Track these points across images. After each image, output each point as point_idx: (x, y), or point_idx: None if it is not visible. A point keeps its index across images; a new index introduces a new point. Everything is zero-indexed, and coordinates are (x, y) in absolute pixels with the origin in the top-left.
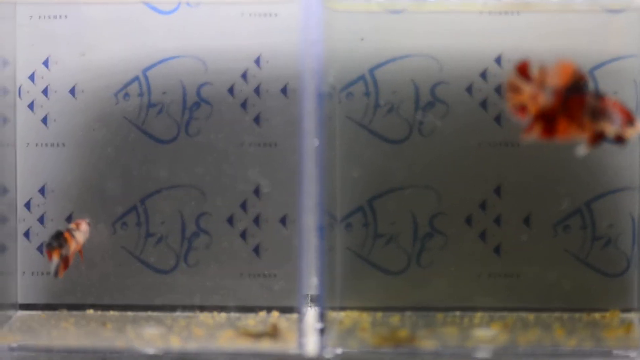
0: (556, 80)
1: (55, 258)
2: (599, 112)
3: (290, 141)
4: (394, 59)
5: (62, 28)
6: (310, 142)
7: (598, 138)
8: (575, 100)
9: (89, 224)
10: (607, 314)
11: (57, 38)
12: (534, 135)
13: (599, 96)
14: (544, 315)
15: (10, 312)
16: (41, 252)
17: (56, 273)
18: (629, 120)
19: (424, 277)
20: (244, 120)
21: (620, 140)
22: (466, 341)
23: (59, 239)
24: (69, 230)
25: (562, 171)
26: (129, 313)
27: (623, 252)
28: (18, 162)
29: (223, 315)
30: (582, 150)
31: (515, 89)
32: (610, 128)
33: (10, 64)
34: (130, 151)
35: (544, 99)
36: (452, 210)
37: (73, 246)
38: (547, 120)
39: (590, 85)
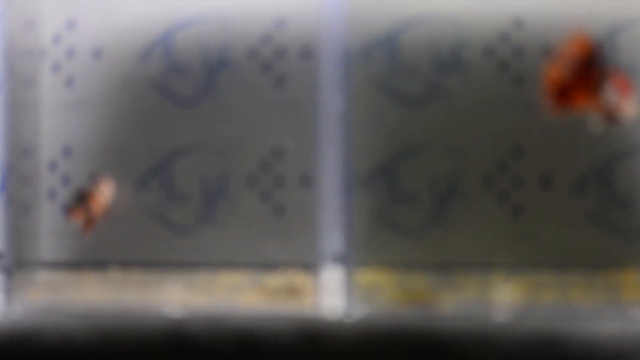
0: (575, 53)
1: (77, 218)
2: (604, 85)
3: (311, 103)
4: (414, 22)
5: None
6: (332, 103)
7: (609, 116)
8: (592, 72)
9: (113, 184)
10: (625, 274)
11: (80, 0)
12: (560, 110)
13: (608, 69)
14: (563, 275)
15: (34, 271)
16: (65, 211)
17: (81, 232)
18: (626, 97)
19: (444, 237)
20: (266, 82)
21: (612, 117)
22: (487, 300)
23: (80, 199)
24: (93, 190)
25: (581, 132)
26: (152, 272)
27: None
28: (41, 124)
29: (245, 274)
30: (595, 126)
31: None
32: (608, 102)
33: (34, 26)
34: (153, 113)
35: (568, 75)
36: (472, 172)
37: (97, 205)
38: (567, 93)
39: (603, 56)
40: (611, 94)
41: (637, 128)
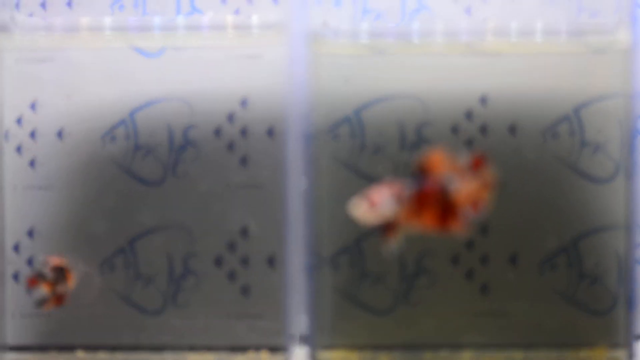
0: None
1: (45, 290)
2: None
3: (276, 182)
4: (379, 100)
5: (49, 72)
6: (297, 183)
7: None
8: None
9: (77, 265)
10: (595, 351)
11: (43, 81)
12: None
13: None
14: (532, 353)
15: None
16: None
17: (41, 304)
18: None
19: (411, 316)
20: (231, 161)
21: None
22: None
23: (57, 274)
24: (67, 268)
25: (548, 210)
26: (119, 354)
27: (609, 290)
28: (5, 205)
29: (212, 355)
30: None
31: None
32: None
33: None
34: (118, 193)
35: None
36: (439, 250)
37: (70, 284)
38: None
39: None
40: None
41: (604, 205)
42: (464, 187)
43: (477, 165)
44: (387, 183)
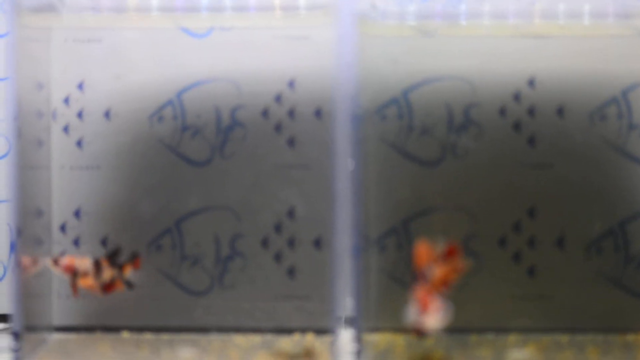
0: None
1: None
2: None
3: (323, 163)
4: (427, 82)
5: (97, 51)
6: (344, 164)
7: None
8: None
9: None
10: None
11: (91, 61)
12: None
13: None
14: (578, 336)
15: (45, 335)
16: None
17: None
18: (427, 313)
19: (458, 299)
20: (278, 142)
21: (420, 331)
22: None
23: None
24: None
25: (595, 193)
26: (164, 335)
27: None
28: (53, 185)
29: (258, 337)
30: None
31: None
32: (412, 320)
33: (45, 87)
34: (165, 174)
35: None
36: (486, 232)
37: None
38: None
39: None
40: (413, 312)
41: None
42: (437, 273)
43: (450, 253)
44: (422, 288)
